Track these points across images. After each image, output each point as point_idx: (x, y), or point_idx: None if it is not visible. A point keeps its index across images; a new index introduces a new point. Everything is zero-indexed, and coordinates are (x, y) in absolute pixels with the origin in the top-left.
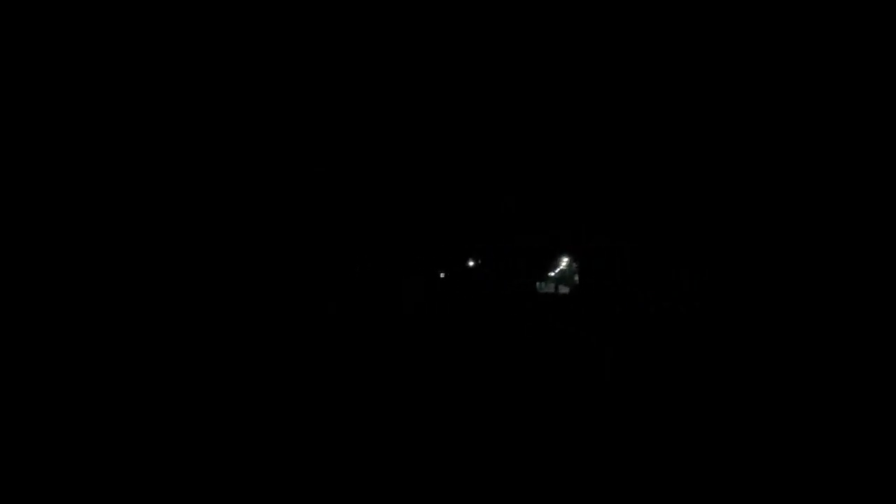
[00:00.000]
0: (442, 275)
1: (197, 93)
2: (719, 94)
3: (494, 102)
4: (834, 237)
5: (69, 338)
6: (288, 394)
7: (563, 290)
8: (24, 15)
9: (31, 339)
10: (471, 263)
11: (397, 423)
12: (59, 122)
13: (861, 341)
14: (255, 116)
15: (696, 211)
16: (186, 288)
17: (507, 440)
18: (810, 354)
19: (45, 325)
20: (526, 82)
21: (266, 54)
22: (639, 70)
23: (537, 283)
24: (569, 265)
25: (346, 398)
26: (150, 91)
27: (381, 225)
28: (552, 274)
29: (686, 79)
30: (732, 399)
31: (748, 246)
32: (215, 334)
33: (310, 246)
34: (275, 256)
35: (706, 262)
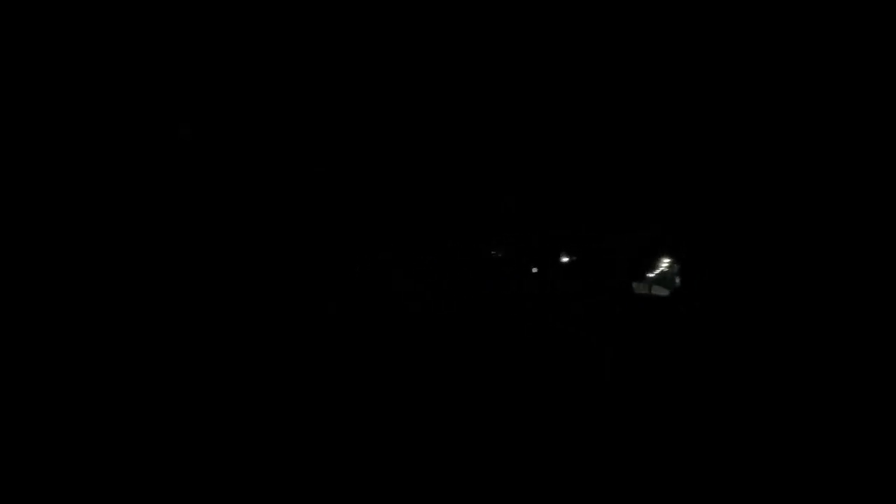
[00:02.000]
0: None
1: (195, 91)
2: (719, 95)
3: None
4: (836, 237)
5: (68, 336)
6: (287, 395)
7: (661, 291)
8: (23, 15)
9: (31, 338)
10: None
11: (397, 423)
12: (58, 121)
13: (862, 342)
14: (253, 115)
15: (695, 210)
16: (183, 287)
17: (508, 440)
18: (811, 355)
19: (44, 324)
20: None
21: (265, 53)
22: (638, 69)
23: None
24: (670, 266)
25: (347, 398)
26: (149, 90)
27: (386, 219)
28: (651, 275)
29: (687, 80)
30: (733, 399)
31: (749, 246)
32: (212, 335)
33: (309, 245)
34: (274, 256)
35: (706, 262)
